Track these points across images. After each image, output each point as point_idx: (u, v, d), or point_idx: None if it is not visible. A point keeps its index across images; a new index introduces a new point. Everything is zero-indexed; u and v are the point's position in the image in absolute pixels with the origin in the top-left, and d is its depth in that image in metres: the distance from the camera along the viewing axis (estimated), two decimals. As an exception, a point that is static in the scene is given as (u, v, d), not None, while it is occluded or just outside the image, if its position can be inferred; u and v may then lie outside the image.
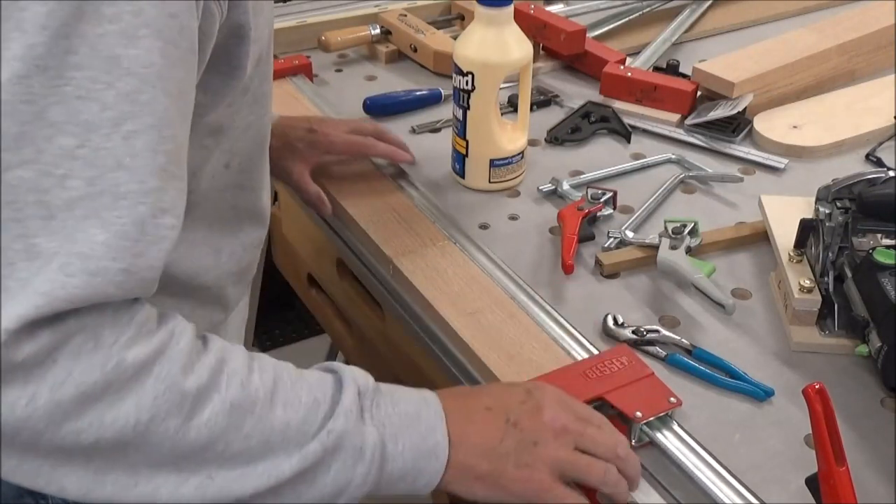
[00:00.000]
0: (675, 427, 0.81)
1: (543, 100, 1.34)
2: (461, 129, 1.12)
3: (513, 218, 1.10)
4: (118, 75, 0.59)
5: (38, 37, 0.56)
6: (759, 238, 1.05)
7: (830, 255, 0.90)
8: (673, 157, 1.22)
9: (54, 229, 0.58)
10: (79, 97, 0.58)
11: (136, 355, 0.61)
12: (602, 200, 1.07)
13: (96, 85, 0.58)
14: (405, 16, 1.48)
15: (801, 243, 0.95)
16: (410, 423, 0.71)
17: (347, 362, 1.68)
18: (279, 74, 1.31)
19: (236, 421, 0.65)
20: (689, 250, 0.98)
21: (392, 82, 1.40)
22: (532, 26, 1.38)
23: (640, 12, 1.57)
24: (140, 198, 0.60)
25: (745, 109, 1.26)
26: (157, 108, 0.61)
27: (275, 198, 1.35)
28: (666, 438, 0.79)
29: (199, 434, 0.63)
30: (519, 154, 1.14)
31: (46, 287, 0.57)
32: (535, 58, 1.33)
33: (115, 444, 0.61)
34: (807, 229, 0.94)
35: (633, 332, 0.91)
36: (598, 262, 1.01)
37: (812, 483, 0.71)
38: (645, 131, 1.28)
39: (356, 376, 0.72)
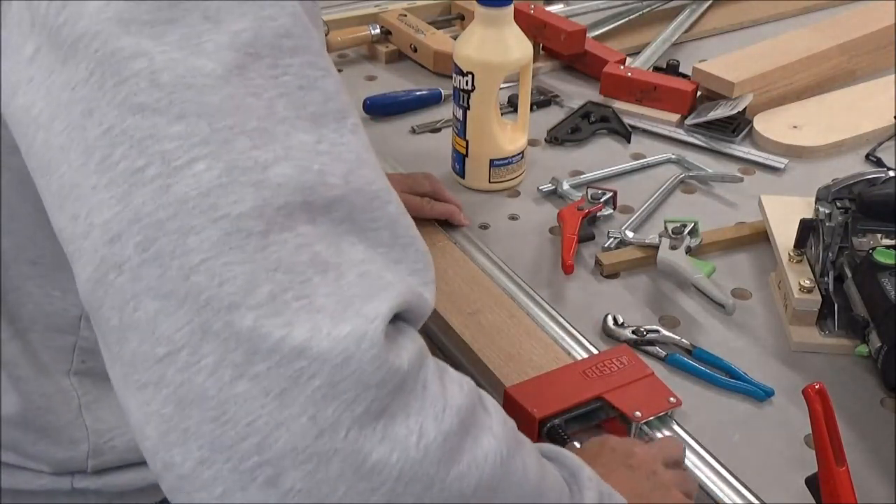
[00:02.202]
0: (675, 427, 0.81)
1: (543, 100, 1.34)
2: (461, 129, 1.11)
3: (513, 218, 1.10)
4: (329, 61, 0.51)
5: (241, 22, 0.48)
6: (759, 238, 1.05)
7: (830, 255, 0.90)
8: (673, 157, 1.22)
9: (326, 238, 0.47)
10: (301, 87, 0.49)
11: (468, 380, 0.52)
12: (602, 200, 1.07)
13: (315, 72, 0.50)
14: (405, 16, 1.48)
15: (801, 243, 0.95)
16: None
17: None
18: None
19: (546, 468, 0.57)
20: (689, 250, 0.98)
21: (392, 82, 1.40)
22: (532, 26, 1.38)
23: (640, 12, 1.57)
24: (388, 195, 0.51)
25: (745, 109, 1.26)
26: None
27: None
28: (666, 438, 0.79)
29: (536, 474, 0.54)
30: (519, 154, 1.14)
31: (387, 296, 0.47)
32: (535, 58, 1.33)
33: (488, 490, 0.49)
34: (807, 229, 0.94)
35: (633, 332, 0.91)
36: (598, 262, 1.01)
37: (812, 483, 0.71)
38: (645, 131, 1.28)
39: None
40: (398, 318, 0.49)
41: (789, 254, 0.95)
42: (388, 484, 0.45)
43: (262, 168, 0.46)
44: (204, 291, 0.44)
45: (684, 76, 1.36)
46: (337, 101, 0.51)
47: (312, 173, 0.47)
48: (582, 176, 1.17)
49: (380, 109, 1.30)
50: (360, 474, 0.44)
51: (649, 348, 0.90)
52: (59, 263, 0.58)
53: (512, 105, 1.27)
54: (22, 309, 0.66)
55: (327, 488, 0.44)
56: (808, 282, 0.90)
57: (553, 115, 1.31)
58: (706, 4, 1.61)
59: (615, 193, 1.09)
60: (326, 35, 1.39)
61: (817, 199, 0.96)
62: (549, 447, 0.64)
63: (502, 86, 1.09)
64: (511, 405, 0.80)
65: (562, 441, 0.76)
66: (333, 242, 0.47)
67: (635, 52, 1.47)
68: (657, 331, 0.91)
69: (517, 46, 1.08)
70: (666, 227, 1.01)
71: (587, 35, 1.41)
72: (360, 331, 0.45)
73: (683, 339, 0.90)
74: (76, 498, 0.72)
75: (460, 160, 1.14)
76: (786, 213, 1.01)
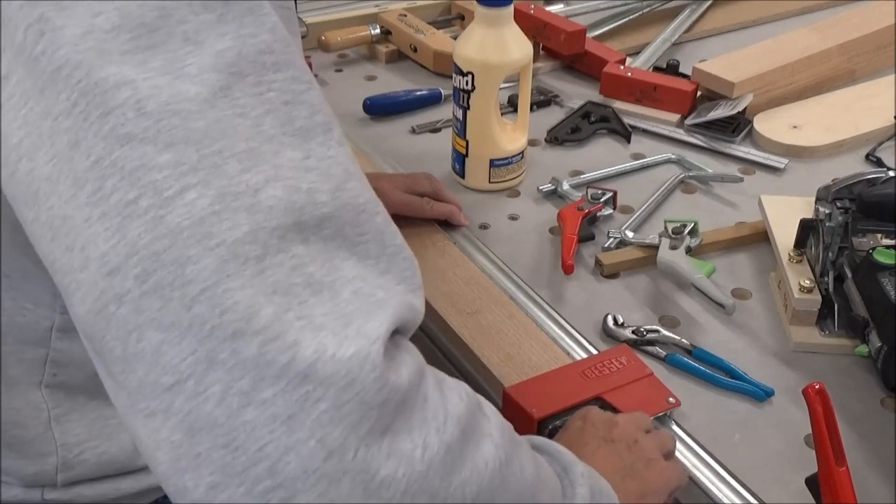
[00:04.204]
0: (675, 427, 0.80)
1: (543, 100, 1.34)
2: (461, 129, 1.11)
3: (513, 218, 1.10)
4: (309, 73, 0.51)
5: (222, 42, 0.48)
6: (759, 238, 1.05)
7: (830, 255, 0.90)
8: (673, 157, 1.21)
9: (318, 257, 0.47)
10: (286, 102, 0.49)
11: (466, 388, 0.53)
12: (602, 200, 1.07)
13: (299, 86, 0.50)
14: (405, 16, 1.48)
15: (801, 243, 0.95)
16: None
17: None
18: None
19: (540, 465, 0.58)
20: (689, 250, 0.98)
21: (392, 82, 1.40)
22: (532, 26, 1.38)
23: (640, 12, 1.57)
24: (375, 207, 0.51)
25: (745, 109, 1.26)
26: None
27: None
28: (666, 438, 0.79)
29: (532, 473, 0.55)
30: (519, 154, 1.14)
31: (384, 315, 0.47)
32: (535, 58, 1.33)
33: (489, 494, 0.50)
34: (807, 229, 0.94)
35: (633, 332, 0.90)
36: (598, 262, 1.01)
37: (812, 483, 0.71)
38: (645, 131, 1.28)
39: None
40: (394, 332, 0.49)
41: (789, 254, 0.95)
42: (395, 498, 0.45)
43: (253, 192, 0.46)
44: (207, 321, 0.44)
45: (684, 76, 1.35)
46: (322, 113, 0.51)
47: (302, 193, 0.47)
48: (582, 176, 1.17)
49: (380, 109, 1.30)
50: (370, 492, 0.45)
51: (649, 348, 0.89)
52: (30, 276, 0.58)
53: (512, 105, 1.27)
54: None
55: None
56: (808, 282, 0.90)
57: (553, 115, 1.31)
58: (706, 4, 1.61)
59: (615, 193, 1.09)
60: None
61: (817, 199, 0.96)
62: (541, 440, 0.64)
63: (502, 86, 1.09)
64: (510, 405, 0.80)
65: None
66: (326, 260, 0.47)
67: (635, 52, 1.47)
68: (657, 331, 0.91)
69: (517, 46, 1.08)
70: (666, 227, 1.01)
71: (587, 35, 1.41)
72: (364, 352, 0.45)
73: (683, 339, 0.90)
74: None
75: (460, 160, 1.14)
76: (786, 213, 1.01)
